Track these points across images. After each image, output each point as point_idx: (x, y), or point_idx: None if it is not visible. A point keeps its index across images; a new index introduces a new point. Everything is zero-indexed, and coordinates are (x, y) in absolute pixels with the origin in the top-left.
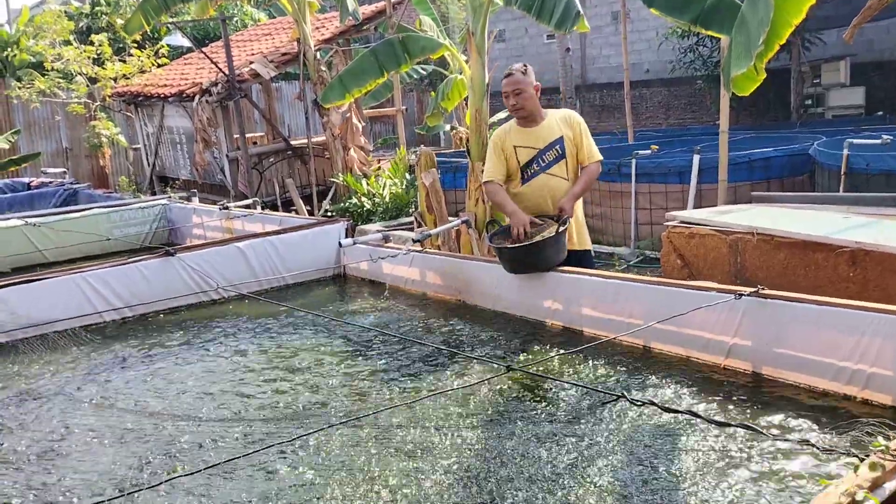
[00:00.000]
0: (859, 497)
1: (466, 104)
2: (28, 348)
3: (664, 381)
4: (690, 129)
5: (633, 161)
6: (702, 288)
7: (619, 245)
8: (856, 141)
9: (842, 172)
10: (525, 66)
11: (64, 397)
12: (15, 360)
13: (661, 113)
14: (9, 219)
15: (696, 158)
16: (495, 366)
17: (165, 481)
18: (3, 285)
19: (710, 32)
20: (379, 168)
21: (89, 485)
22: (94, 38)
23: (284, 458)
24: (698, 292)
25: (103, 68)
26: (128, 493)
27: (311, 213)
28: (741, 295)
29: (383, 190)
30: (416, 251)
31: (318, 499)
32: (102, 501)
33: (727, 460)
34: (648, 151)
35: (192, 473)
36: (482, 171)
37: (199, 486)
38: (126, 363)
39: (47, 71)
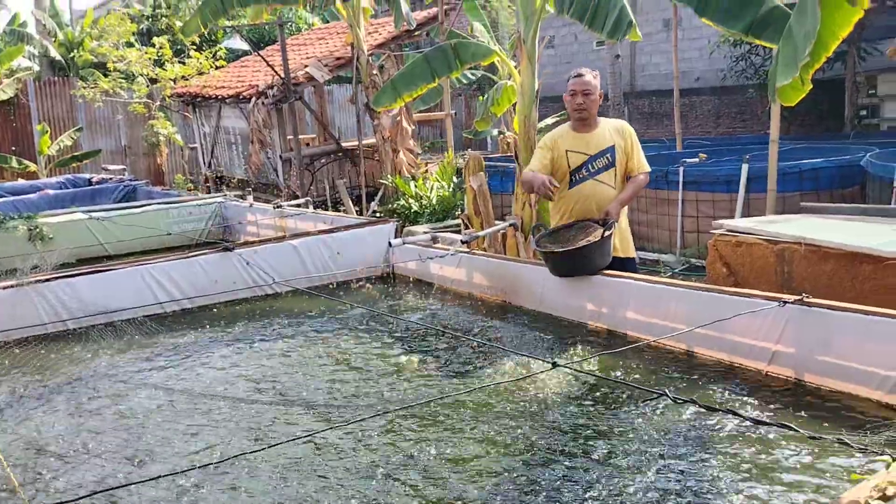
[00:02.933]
0: (890, 492)
1: (514, 110)
2: (97, 335)
3: (706, 384)
4: (740, 139)
5: (681, 169)
6: (746, 294)
7: (665, 252)
8: None
9: (894, 185)
10: (595, 71)
11: (130, 381)
12: (85, 346)
13: (710, 121)
14: (73, 212)
15: (745, 167)
16: (540, 362)
17: (229, 458)
18: (73, 275)
19: (761, 42)
20: (427, 171)
21: (151, 456)
22: (155, 40)
23: (333, 441)
24: (742, 299)
25: (163, 69)
26: (192, 468)
27: (359, 213)
28: (785, 302)
29: (431, 192)
30: (464, 252)
31: (364, 476)
32: (166, 475)
33: (764, 457)
34: (696, 160)
35: (240, 455)
36: None
37: (249, 467)
38: (187, 351)
39: (110, 71)
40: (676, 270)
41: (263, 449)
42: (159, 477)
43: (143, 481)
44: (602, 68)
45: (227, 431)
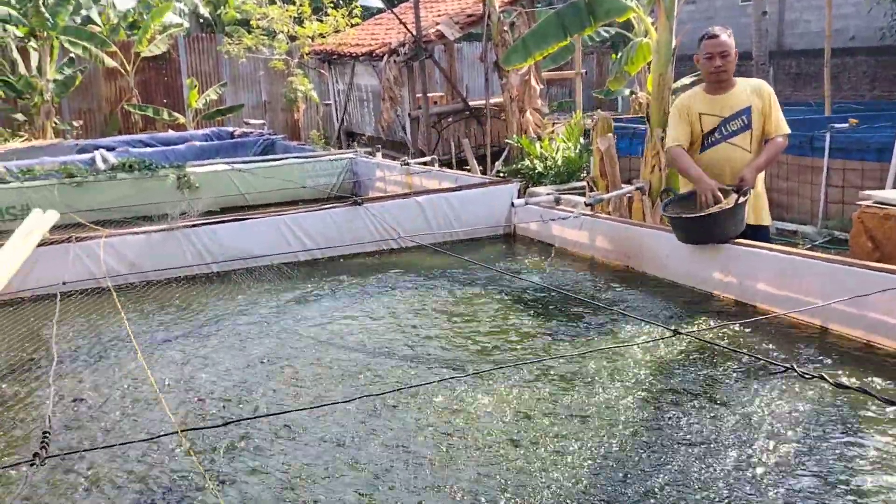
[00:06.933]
0: None
1: (649, 69)
2: (238, 278)
3: (837, 361)
4: None
5: (828, 135)
6: (888, 270)
7: (805, 223)
8: None
9: None
10: (729, 29)
11: (266, 322)
12: (227, 288)
13: (865, 84)
14: (217, 163)
15: None
16: (661, 328)
17: (352, 399)
18: (215, 222)
19: None
20: (553, 131)
21: (281, 394)
22: None
23: (452, 391)
24: (884, 274)
25: (302, 27)
26: (320, 406)
27: (483, 173)
28: None
29: (556, 153)
30: (587, 215)
31: (479, 430)
32: (295, 409)
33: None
34: (846, 125)
35: (358, 398)
36: (661, 138)
37: (367, 410)
38: (318, 297)
39: (253, 28)
40: (817, 243)
41: (386, 393)
42: (303, 409)
43: (276, 413)
44: (747, 25)
45: (358, 372)
